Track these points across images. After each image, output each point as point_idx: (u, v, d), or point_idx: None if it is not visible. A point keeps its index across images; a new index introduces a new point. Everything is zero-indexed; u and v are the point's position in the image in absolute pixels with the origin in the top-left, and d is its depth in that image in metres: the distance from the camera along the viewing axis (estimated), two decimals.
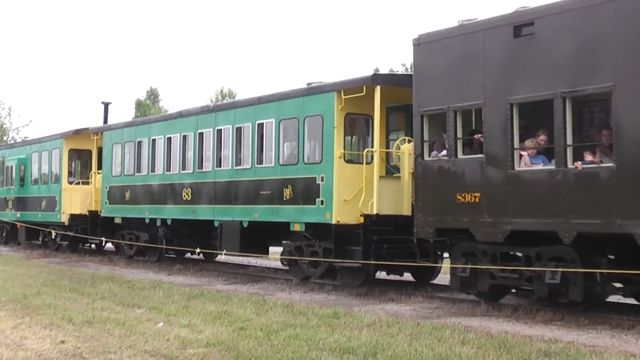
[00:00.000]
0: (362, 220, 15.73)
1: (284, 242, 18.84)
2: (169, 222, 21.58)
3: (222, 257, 24.20)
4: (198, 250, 20.62)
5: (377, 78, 15.80)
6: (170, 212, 21.43)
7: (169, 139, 21.57)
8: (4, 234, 33.34)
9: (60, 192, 27.10)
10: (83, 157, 28.55)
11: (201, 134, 20.29)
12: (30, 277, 18.31)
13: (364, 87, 15.78)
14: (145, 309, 12.83)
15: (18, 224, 34.55)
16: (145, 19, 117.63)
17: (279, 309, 12.92)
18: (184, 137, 20.94)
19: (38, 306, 13.02)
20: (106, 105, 29.80)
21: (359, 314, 12.46)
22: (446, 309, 13.82)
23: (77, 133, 27.11)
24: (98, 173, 26.07)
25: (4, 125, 62.32)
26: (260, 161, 18.26)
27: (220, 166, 19.58)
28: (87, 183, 27.40)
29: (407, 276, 17.72)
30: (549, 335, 10.83)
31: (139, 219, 23.03)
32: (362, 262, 15.56)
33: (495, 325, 11.93)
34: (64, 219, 26.95)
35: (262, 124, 18.16)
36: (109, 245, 29.22)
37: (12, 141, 59.89)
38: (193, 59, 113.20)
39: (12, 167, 31.08)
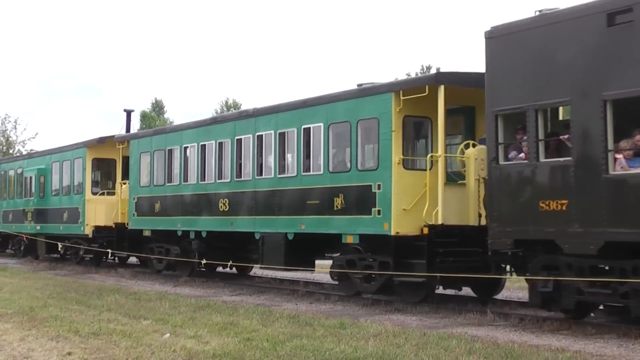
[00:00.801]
0: (426, 231, 14.44)
1: (333, 255, 17.72)
2: (203, 234, 20.31)
3: (257, 272, 23.12)
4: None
5: (441, 77, 14.54)
6: (205, 224, 20.16)
7: (203, 146, 20.32)
8: (21, 248, 32.07)
9: (83, 203, 25.86)
10: (105, 167, 27.31)
11: (239, 141, 19.03)
12: (37, 290, 18.07)
13: (427, 87, 14.52)
14: (152, 321, 12.66)
15: (25, 236, 33.42)
16: (149, 31, 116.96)
17: (285, 320, 12.75)
18: (220, 144, 19.69)
19: (45, 318, 12.89)
20: (128, 112, 28.59)
21: (365, 325, 12.24)
22: (452, 318, 13.67)
23: (102, 141, 25.85)
24: (123, 183, 24.86)
25: (10, 138, 62.03)
26: (307, 169, 17.01)
27: (261, 174, 18.33)
28: (112, 193, 26.18)
29: (467, 291, 16.46)
30: (556, 345, 10.68)
31: (170, 232, 21.77)
32: (427, 274, 14.25)
33: (502, 334, 11.79)
34: (88, 231, 25.72)
35: (309, 128, 16.91)
36: (132, 259, 28.11)
37: (18, 154, 59.59)
38: (197, 71, 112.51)
39: (31, 177, 29.80)
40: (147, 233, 22.77)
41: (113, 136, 25.28)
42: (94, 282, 21.00)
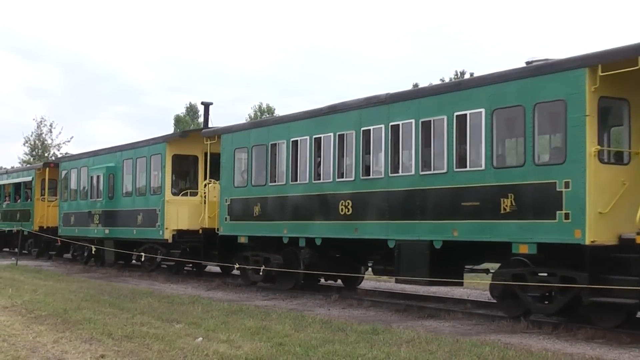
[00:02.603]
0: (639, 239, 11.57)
1: (474, 267, 15.08)
2: (317, 242, 17.54)
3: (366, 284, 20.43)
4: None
5: None
6: (321, 229, 17.35)
7: (318, 139, 17.54)
8: (84, 253, 29.52)
9: (162, 204, 23.20)
10: (185, 165, 24.63)
11: (366, 132, 16.25)
12: (71, 292, 18.05)
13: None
14: (185, 324, 12.58)
15: (59, 239, 31.22)
16: (183, 36, 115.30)
17: (318, 325, 12.63)
18: (341, 136, 16.91)
19: (78, 321, 12.90)
20: (207, 105, 25.93)
21: (397, 330, 12.13)
22: (486, 325, 13.49)
23: (184, 136, 23.24)
24: (209, 182, 22.20)
25: (45, 142, 62.59)
26: (461, 164, 14.19)
27: (396, 171, 15.54)
28: (194, 194, 23.57)
29: None
30: (591, 354, 10.53)
31: (272, 239, 19.05)
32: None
33: (536, 342, 11.59)
34: (167, 235, 23.06)
35: (464, 115, 14.09)
36: (211, 268, 25.54)
37: (53, 157, 58.47)
38: (230, 75, 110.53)
39: (98, 177, 27.22)
40: (243, 240, 20.03)
41: (200, 129, 22.62)
42: (127, 285, 20.85)
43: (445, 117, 14.44)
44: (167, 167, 23.30)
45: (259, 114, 74.26)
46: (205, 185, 22.62)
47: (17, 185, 37.01)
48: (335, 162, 17.02)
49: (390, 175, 15.61)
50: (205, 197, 22.34)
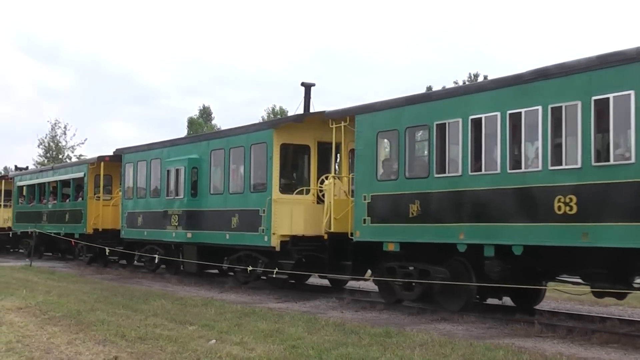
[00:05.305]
0: None
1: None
2: (516, 251, 13.29)
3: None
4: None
5: None
6: (523, 234, 13.04)
7: (515, 116, 13.24)
8: (155, 260, 25.34)
9: (269, 204, 18.94)
10: (292, 156, 20.43)
11: (601, 102, 11.93)
12: (84, 294, 18.07)
13: None
14: (198, 326, 12.45)
15: (73, 241, 28.44)
16: (197, 39, 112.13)
17: (331, 328, 12.49)
18: (555, 110, 12.60)
19: (92, 322, 12.84)
20: (307, 86, 21.69)
21: (411, 334, 11.85)
22: (499, 329, 13.28)
23: (299, 120, 18.94)
24: (334, 177, 17.96)
25: (60, 144, 62.41)
26: None
27: None
28: (308, 191, 19.41)
29: None
30: (605, 358, 10.41)
31: (437, 246, 14.86)
32: None
33: (550, 346, 11.34)
34: (274, 242, 18.82)
35: None
36: (313, 279, 21.47)
37: (67, 160, 55.73)
38: (244, 77, 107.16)
39: (177, 170, 22.95)
40: (391, 247, 15.80)
41: (322, 112, 18.31)
42: (140, 287, 20.83)
43: None
44: (274, 159, 19.00)
45: (272, 115, 70.39)
46: (322, 181, 18.48)
47: (64, 183, 33.00)
48: (546, 145, 12.76)
49: None
50: (323, 194, 18.20)
